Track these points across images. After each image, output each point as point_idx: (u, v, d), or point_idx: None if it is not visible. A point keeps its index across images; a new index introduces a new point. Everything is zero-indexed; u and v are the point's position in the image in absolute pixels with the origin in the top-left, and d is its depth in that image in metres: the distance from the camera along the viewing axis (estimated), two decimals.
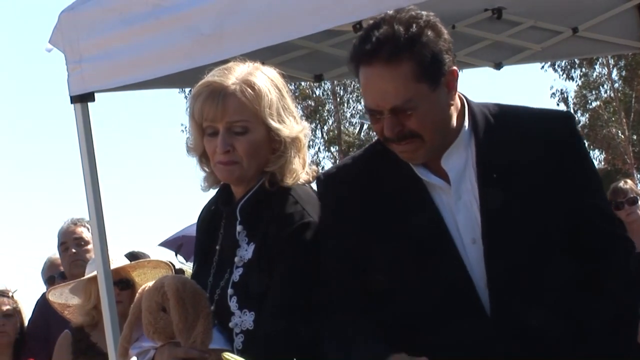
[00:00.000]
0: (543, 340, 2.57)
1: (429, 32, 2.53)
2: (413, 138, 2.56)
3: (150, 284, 2.88)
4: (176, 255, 8.62)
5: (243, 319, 2.75)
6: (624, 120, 29.56)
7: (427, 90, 2.53)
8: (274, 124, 2.78)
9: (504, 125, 2.67)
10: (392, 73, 2.51)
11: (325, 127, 29.34)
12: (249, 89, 2.76)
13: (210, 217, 2.99)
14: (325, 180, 2.80)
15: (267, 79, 2.81)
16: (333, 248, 2.71)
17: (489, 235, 2.58)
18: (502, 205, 2.59)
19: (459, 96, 2.66)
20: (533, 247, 2.59)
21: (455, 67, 2.58)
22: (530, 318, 2.57)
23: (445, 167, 2.63)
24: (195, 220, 3.12)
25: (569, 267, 2.62)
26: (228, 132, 2.77)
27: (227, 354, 2.16)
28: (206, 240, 2.98)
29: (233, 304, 2.77)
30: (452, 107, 2.62)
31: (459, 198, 2.63)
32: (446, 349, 2.55)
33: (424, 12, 2.57)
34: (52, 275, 5.80)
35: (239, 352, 2.67)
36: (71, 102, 3.93)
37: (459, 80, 2.61)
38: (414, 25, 2.52)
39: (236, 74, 2.79)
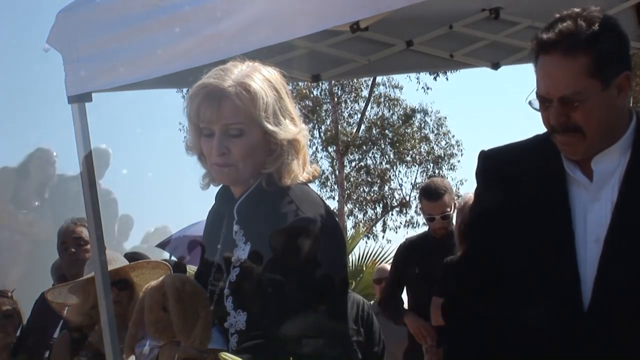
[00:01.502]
0: (630, 351, 2.60)
1: (609, 33, 2.62)
2: (575, 132, 2.63)
3: (154, 282, 2.88)
4: (164, 248, 8.52)
5: (237, 319, 2.75)
6: None
7: (597, 88, 2.60)
8: (270, 126, 2.77)
9: None
10: (568, 65, 2.59)
11: (323, 127, 29.27)
12: (244, 92, 2.75)
13: (214, 216, 2.99)
14: (483, 156, 2.92)
15: (264, 81, 2.80)
16: (473, 225, 2.97)
17: (614, 236, 2.63)
18: (637, 215, 2.63)
19: (628, 108, 2.72)
20: None
21: (628, 72, 2.64)
22: (624, 326, 2.60)
23: (594, 167, 2.69)
24: (193, 221, 3.14)
25: None
26: (224, 134, 2.77)
27: (224, 354, 2.16)
28: (210, 239, 2.98)
29: (229, 304, 2.76)
30: (617, 111, 2.68)
31: (597, 199, 2.69)
32: (536, 339, 2.65)
33: (607, 15, 2.67)
34: (64, 273, 5.77)
35: (234, 353, 2.67)
36: (68, 102, 3.93)
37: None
38: (597, 25, 2.60)
39: (233, 75, 2.78)
